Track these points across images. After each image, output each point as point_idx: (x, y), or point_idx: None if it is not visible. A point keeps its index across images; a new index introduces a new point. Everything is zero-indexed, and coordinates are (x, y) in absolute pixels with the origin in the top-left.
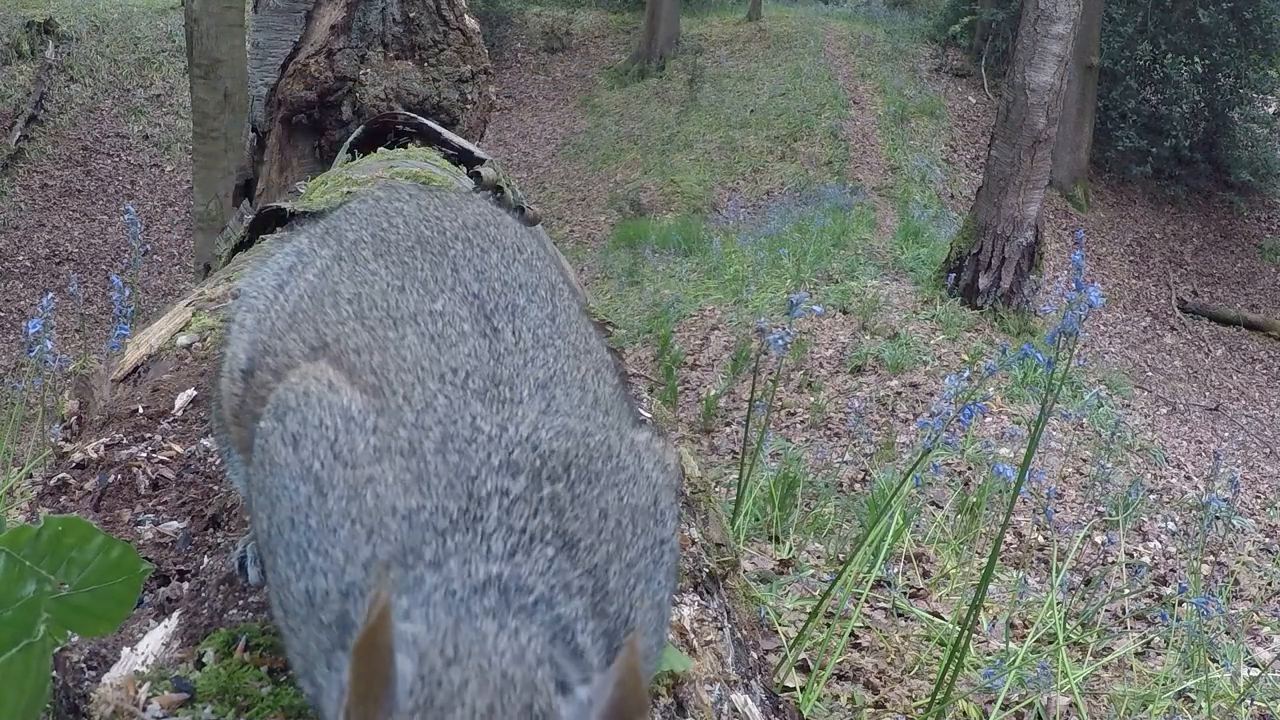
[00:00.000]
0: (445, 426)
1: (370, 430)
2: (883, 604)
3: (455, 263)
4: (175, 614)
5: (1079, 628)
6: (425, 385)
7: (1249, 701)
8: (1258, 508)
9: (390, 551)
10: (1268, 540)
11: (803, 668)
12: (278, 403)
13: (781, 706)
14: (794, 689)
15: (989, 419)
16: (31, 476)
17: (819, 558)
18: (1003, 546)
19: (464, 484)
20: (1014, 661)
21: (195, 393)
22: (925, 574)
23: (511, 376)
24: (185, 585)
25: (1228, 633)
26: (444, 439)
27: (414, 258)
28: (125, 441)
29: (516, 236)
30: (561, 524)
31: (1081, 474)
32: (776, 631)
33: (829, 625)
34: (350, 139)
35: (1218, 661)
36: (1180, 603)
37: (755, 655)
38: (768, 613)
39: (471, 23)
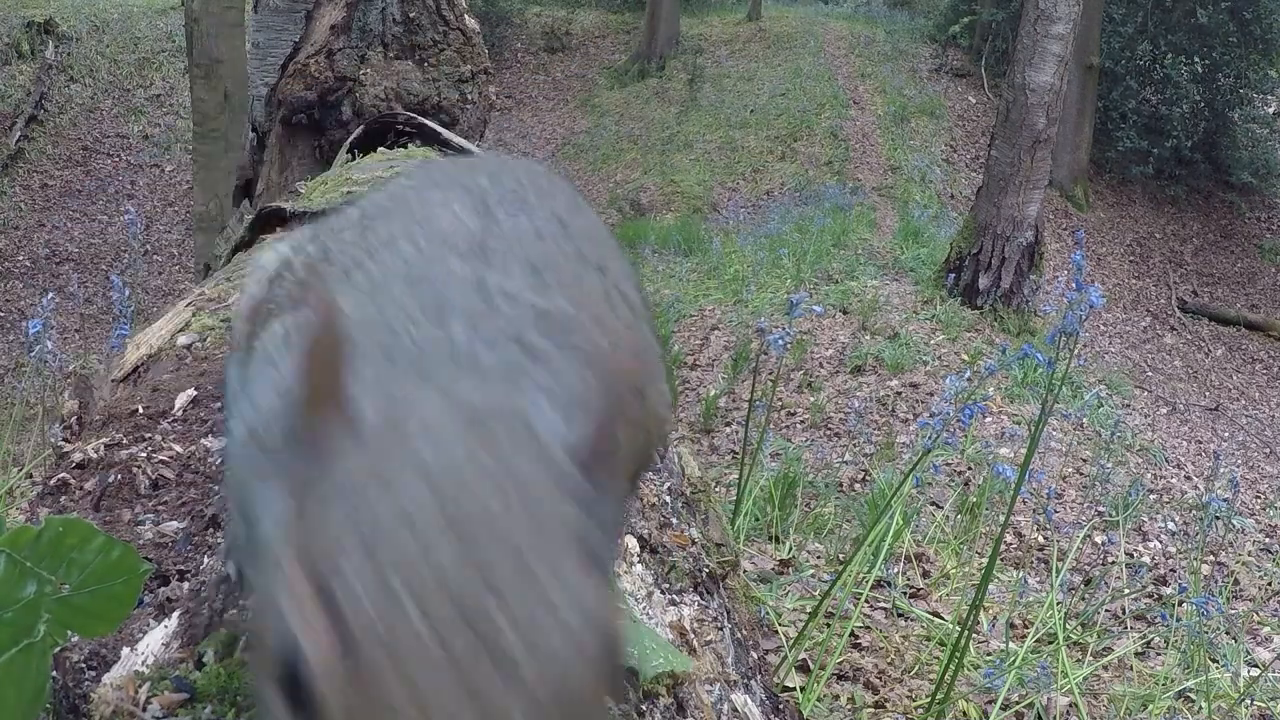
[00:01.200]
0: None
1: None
2: (883, 604)
3: (470, 174)
4: (175, 614)
5: (1079, 628)
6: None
7: (1249, 701)
8: (1258, 508)
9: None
10: (1268, 540)
11: (803, 668)
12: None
13: (781, 706)
14: (794, 689)
15: (989, 419)
16: (31, 476)
17: (819, 558)
18: (1003, 546)
19: None
20: (1014, 661)
21: (195, 393)
22: (925, 574)
23: (514, 238)
24: (185, 585)
25: (1228, 633)
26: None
27: (443, 174)
28: (125, 441)
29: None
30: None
31: (1081, 474)
32: (776, 631)
33: (829, 625)
34: (350, 139)
35: (1218, 661)
36: (1180, 603)
37: (755, 655)
38: (768, 613)
39: (471, 23)
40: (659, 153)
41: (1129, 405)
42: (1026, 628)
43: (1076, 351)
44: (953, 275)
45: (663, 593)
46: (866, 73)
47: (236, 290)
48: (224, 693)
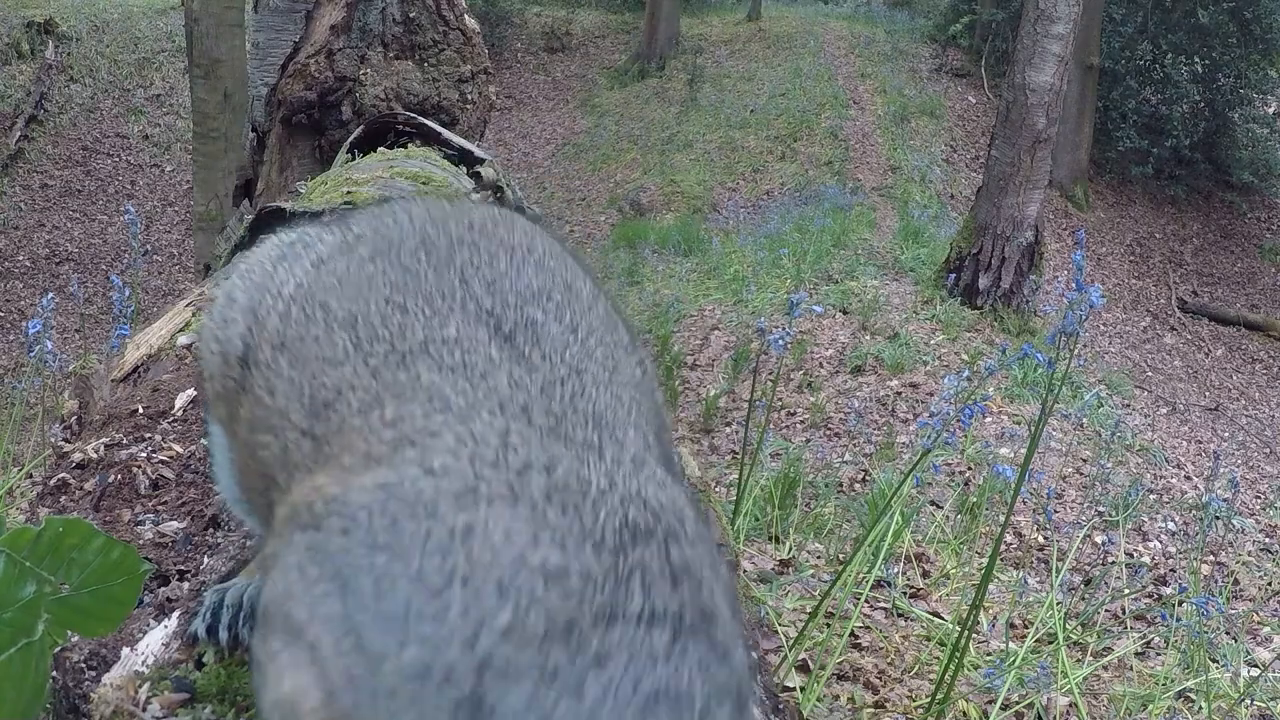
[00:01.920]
0: (545, 475)
1: (434, 475)
2: (883, 604)
3: (463, 272)
4: (175, 614)
5: (1079, 628)
6: (482, 419)
7: (1249, 701)
8: (1258, 508)
9: (543, 621)
10: (1268, 540)
11: (803, 668)
12: (304, 516)
13: (781, 706)
14: (794, 689)
15: (989, 419)
16: (31, 476)
17: (819, 558)
18: (1003, 546)
19: (593, 548)
20: (1014, 661)
21: (195, 393)
22: (925, 574)
23: (566, 412)
24: (185, 585)
25: (1228, 633)
26: (550, 489)
27: (417, 262)
28: (125, 441)
29: (525, 235)
30: (697, 600)
31: (1081, 474)
32: (776, 631)
33: (829, 625)
34: (350, 139)
35: (1218, 661)
36: (1180, 603)
37: (755, 655)
38: (768, 613)
39: (471, 23)
40: (659, 153)
41: (1129, 405)
42: (1026, 628)
43: (1076, 351)
44: (953, 275)
45: None
46: (866, 73)
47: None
48: (224, 693)
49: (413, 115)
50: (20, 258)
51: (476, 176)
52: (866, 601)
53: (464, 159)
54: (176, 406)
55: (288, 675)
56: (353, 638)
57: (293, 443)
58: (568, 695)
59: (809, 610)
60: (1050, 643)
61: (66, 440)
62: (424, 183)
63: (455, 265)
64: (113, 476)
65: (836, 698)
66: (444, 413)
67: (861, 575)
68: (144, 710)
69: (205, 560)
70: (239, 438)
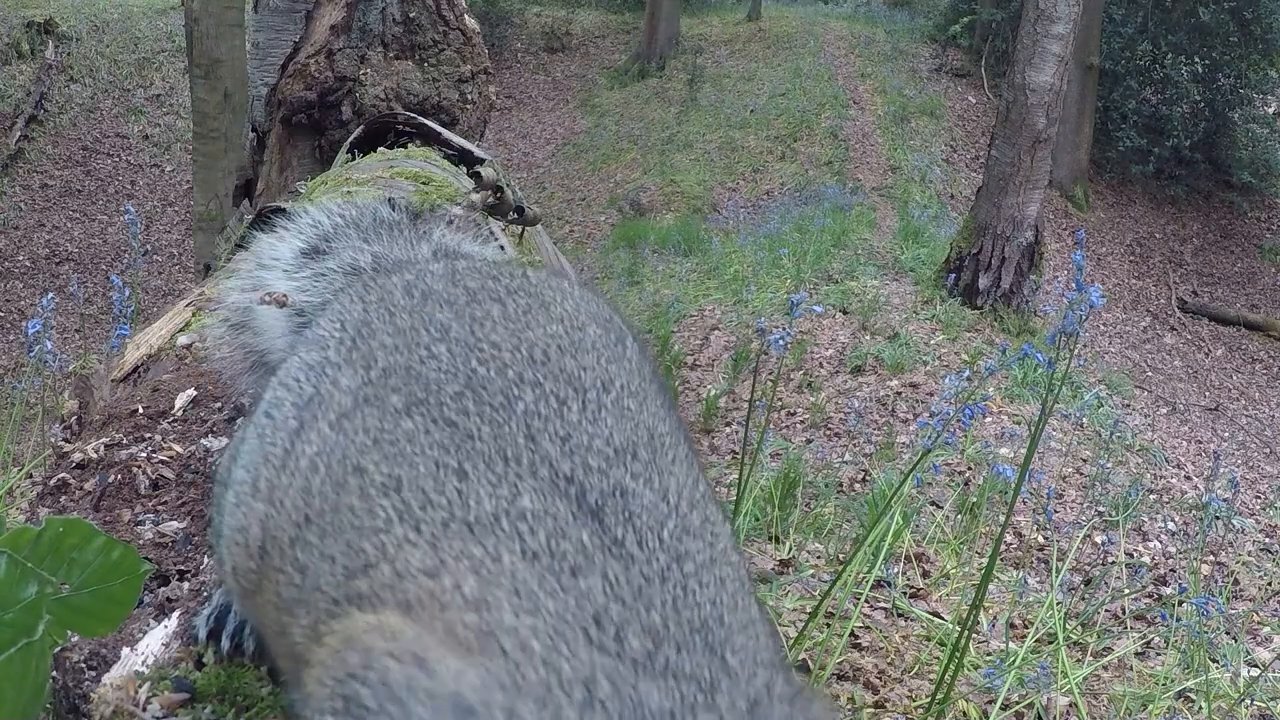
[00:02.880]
0: None
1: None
2: (883, 604)
3: (528, 423)
4: (175, 614)
5: (1079, 628)
6: (570, 648)
7: (1249, 701)
8: (1258, 508)
9: None
10: (1268, 540)
11: (803, 668)
12: (343, 695)
13: None
14: None
15: (989, 419)
16: (31, 476)
17: (819, 558)
18: (1003, 546)
19: None
20: (1014, 661)
21: (195, 393)
22: (925, 574)
23: (665, 623)
24: (185, 585)
25: (1228, 633)
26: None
27: (466, 414)
28: (125, 441)
29: (598, 359)
30: None
31: (1081, 474)
32: (776, 632)
33: (829, 625)
34: (350, 139)
35: (1218, 661)
36: (1180, 603)
37: None
38: (768, 613)
39: (471, 23)
40: (659, 153)
41: (1129, 405)
42: (1026, 628)
43: (1076, 351)
44: (953, 275)
45: None
46: (866, 73)
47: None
48: (224, 693)
49: (413, 115)
50: (20, 258)
51: (476, 176)
52: (866, 601)
53: (464, 159)
54: (176, 406)
55: None
56: None
57: (324, 611)
58: None
59: (809, 610)
60: (1050, 643)
61: (66, 440)
62: (424, 182)
63: (517, 415)
64: (113, 476)
65: (836, 698)
66: (532, 616)
67: (861, 575)
68: (144, 710)
69: (205, 560)
70: (263, 614)
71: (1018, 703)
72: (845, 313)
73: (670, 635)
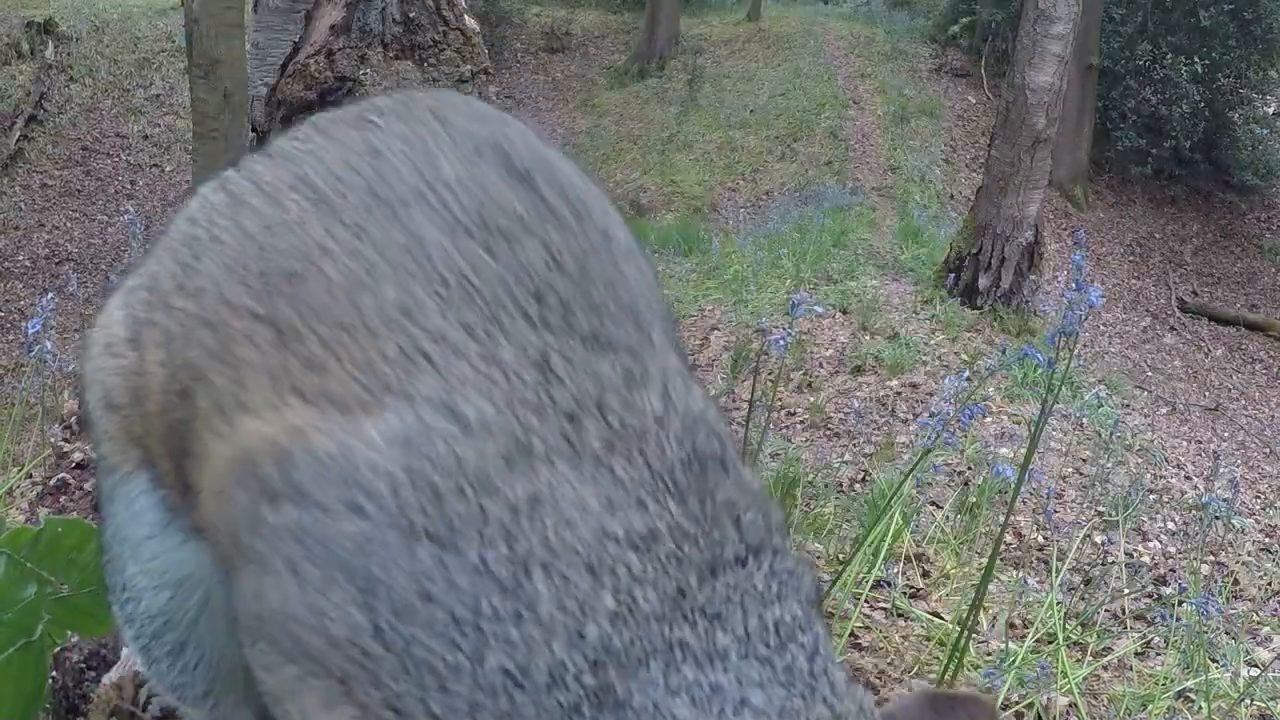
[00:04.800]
0: (599, 418)
1: (472, 431)
2: (883, 604)
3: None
4: None
5: (1079, 628)
6: (515, 330)
7: (1249, 701)
8: (1258, 508)
9: (652, 596)
10: (1268, 540)
11: None
12: (274, 480)
13: None
14: None
15: (989, 419)
16: (31, 476)
17: (819, 557)
18: (1003, 546)
19: (675, 499)
20: (1014, 661)
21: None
22: (925, 574)
23: (604, 303)
24: None
25: (1228, 633)
26: (609, 435)
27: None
28: None
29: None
30: (767, 511)
31: (1081, 474)
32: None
33: (828, 625)
34: None
35: (1218, 661)
36: (1180, 603)
37: None
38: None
39: (471, 23)
40: (659, 153)
41: (1129, 405)
42: (1026, 628)
43: (1076, 351)
44: (953, 275)
45: None
46: (866, 73)
47: None
48: None
49: None
50: (20, 258)
51: None
52: (866, 601)
53: None
54: None
55: (322, 715)
56: (401, 658)
57: (238, 331)
58: (706, 665)
59: None
60: (1050, 643)
61: (66, 440)
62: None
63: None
64: None
65: None
66: (464, 307)
67: (861, 575)
68: (144, 710)
69: None
70: (154, 417)
71: (1018, 703)
72: (845, 313)
73: (606, 311)
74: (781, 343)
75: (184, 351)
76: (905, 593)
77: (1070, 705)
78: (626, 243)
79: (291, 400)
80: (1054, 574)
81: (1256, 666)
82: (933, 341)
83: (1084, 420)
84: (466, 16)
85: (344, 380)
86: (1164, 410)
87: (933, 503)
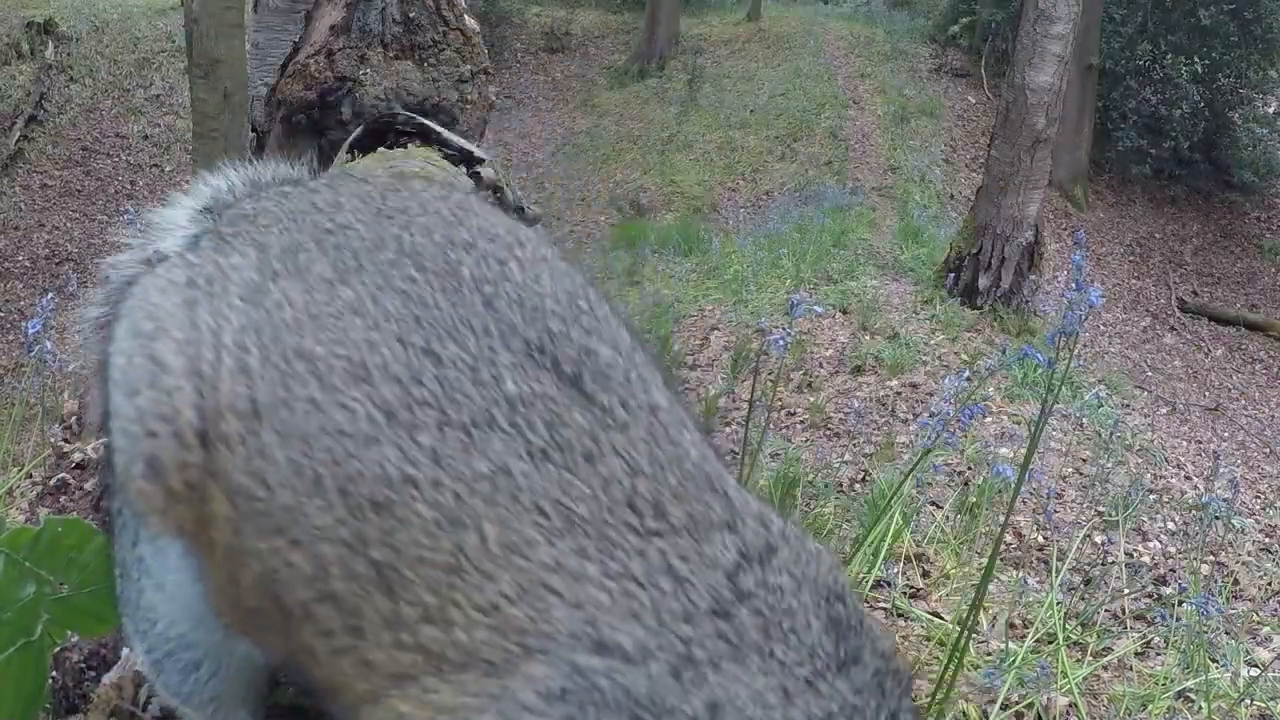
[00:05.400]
0: (742, 603)
1: (629, 660)
2: (883, 604)
3: (479, 289)
4: None
5: (1079, 628)
6: (623, 540)
7: (1249, 701)
8: (1258, 508)
9: None
10: (1268, 540)
11: None
12: None
13: None
14: None
15: (989, 419)
16: (31, 476)
17: None
18: (1003, 546)
19: (834, 671)
20: (1014, 661)
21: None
22: (925, 574)
23: (685, 485)
24: None
25: (1228, 633)
26: (760, 622)
27: (412, 281)
28: None
29: (515, 227)
30: (878, 648)
31: (1081, 474)
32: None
33: None
34: (350, 139)
35: (1218, 661)
36: (1180, 603)
37: None
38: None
39: (471, 23)
40: (659, 153)
41: (1129, 405)
42: (1026, 628)
43: (1076, 351)
44: (952, 275)
45: None
46: (866, 73)
47: None
48: None
49: (413, 115)
50: (20, 258)
51: (476, 176)
52: (866, 601)
53: (464, 159)
54: None
55: None
56: None
57: (334, 562)
58: None
59: None
60: (1050, 643)
61: (66, 440)
62: (424, 181)
63: (464, 281)
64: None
65: None
66: (569, 534)
67: (861, 575)
68: (144, 710)
69: None
70: (219, 548)
71: (1018, 703)
72: (845, 313)
73: (689, 491)
74: (781, 343)
75: (261, 541)
76: (905, 593)
77: (1070, 705)
78: (668, 403)
79: (420, 660)
80: (1054, 574)
81: (1256, 666)
82: (933, 341)
83: (1084, 420)
84: (466, 16)
85: (471, 631)
86: (1164, 410)
87: (933, 503)
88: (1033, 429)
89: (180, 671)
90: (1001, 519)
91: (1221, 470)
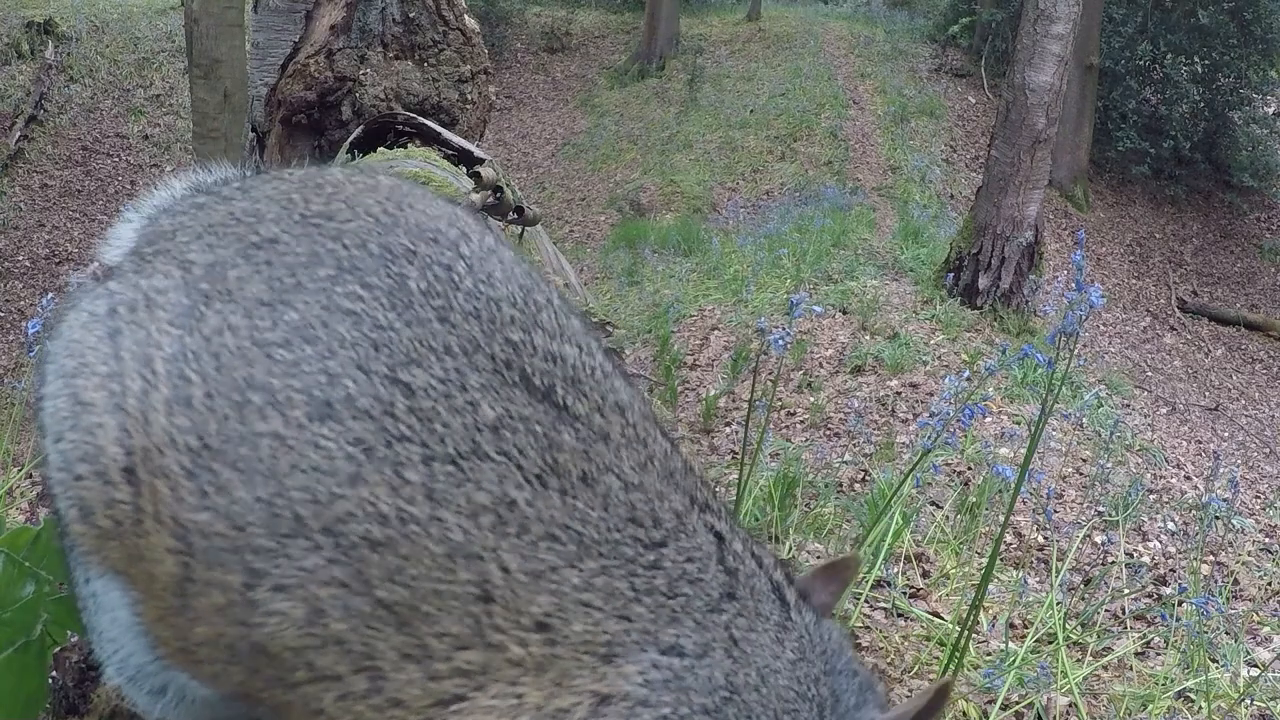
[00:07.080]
0: (742, 590)
1: (689, 656)
2: (883, 604)
3: (428, 300)
4: None
5: (1079, 628)
6: (640, 556)
7: (1249, 701)
8: (1258, 508)
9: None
10: (1268, 540)
11: None
12: None
13: None
14: None
15: (989, 419)
16: (31, 476)
17: (819, 558)
18: (1003, 546)
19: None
20: (1014, 661)
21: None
22: (925, 574)
23: (668, 475)
24: None
25: (1228, 633)
26: (743, 609)
27: (359, 300)
28: None
29: (453, 217)
30: None
31: (1081, 474)
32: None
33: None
34: (350, 139)
35: (1218, 661)
36: (1180, 603)
37: None
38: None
39: (471, 23)
40: (659, 153)
41: (1129, 405)
42: (1026, 628)
43: (1076, 351)
44: (952, 275)
45: None
46: (866, 73)
47: None
48: None
49: (413, 115)
50: (20, 258)
51: (476, 176)
52: (866, 601)
53: (464, 159)
54: None
55: None
56: None
57: (330, 604)
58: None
59: None
60: (1050, 643)
61: None
62: (424, 182)
63: (414, 296)
64: None
65: None
66: (590, 557)
67: (861, 575)
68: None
69: None
70: (161, 580)
71: (1018, 703)
72: (845, 313)
73: (666, 490)
74: (781, 343)
75: (232, 577)
76: (905, 592)
77: (1070, 705)
78: (627, 394)
79: (463, 681)
80: (1054, 574)
81: (1256, 666)
82: (933, 341)
83: (1084, 420)
84: (466, 16)
85: (528, 646)
86: (1164, 410)
87: (933, 503)
88: (1033, 429)
89: (148, 696)
90: (1001, 519)
91: (1221, 470)
